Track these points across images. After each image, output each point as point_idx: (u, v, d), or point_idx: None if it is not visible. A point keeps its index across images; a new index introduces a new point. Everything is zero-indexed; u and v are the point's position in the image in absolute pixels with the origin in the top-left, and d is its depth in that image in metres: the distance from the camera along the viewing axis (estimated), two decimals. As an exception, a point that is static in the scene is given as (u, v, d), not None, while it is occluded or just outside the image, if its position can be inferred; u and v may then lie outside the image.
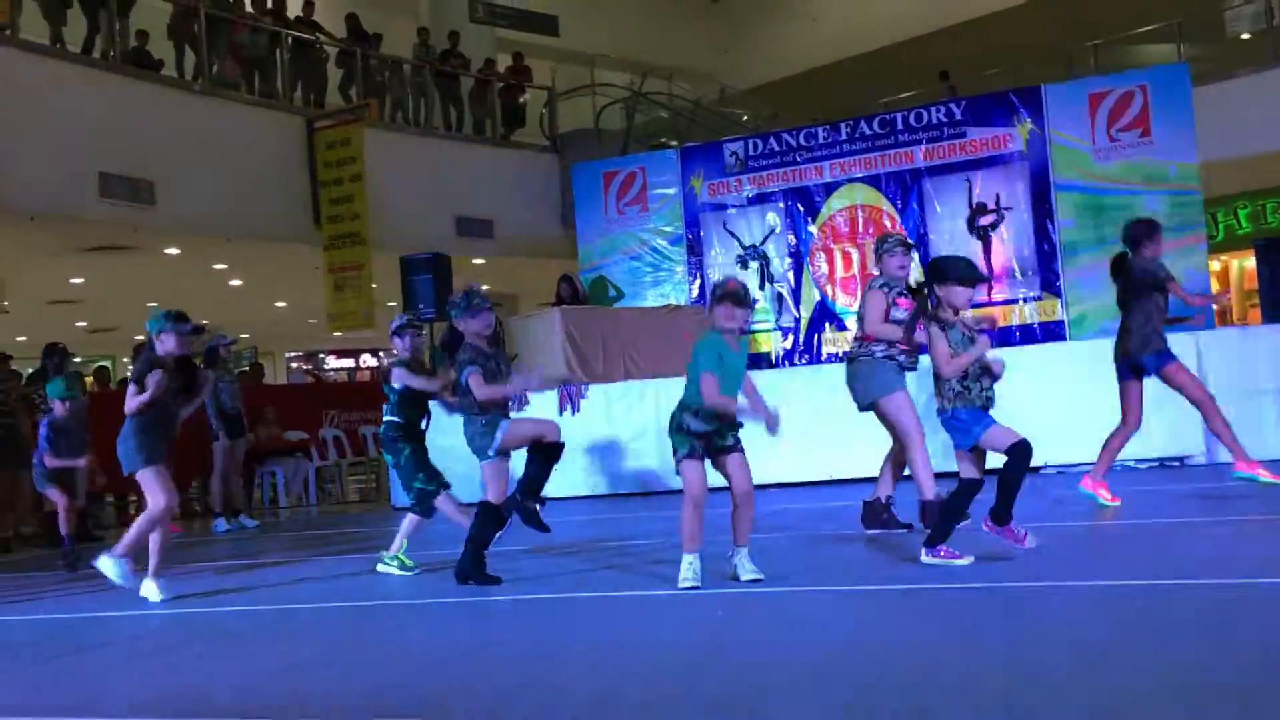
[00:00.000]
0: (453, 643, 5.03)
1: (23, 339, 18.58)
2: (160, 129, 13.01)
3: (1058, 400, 9.23)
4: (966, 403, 5.38)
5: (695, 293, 14.70)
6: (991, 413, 5.42)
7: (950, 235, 13.56)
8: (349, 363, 29.22)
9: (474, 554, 6.10)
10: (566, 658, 4.39)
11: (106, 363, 19.75)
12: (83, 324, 20.06)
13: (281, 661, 4.88)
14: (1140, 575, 5.11)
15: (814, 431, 9.42)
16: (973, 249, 13.42)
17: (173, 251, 15.01)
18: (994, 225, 13.40)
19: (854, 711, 3.40)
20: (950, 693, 3.50)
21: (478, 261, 17.22)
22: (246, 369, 15.85)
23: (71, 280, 16.34)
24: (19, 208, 11.08)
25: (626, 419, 10.81)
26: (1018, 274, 13.29)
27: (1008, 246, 13.35)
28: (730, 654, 4.28)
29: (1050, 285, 13.08)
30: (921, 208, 13.70)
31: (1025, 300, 13.23)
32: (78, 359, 13.31)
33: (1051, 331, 12.91)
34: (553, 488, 6.55)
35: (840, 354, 13.77)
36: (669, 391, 11.12)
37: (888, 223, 13.83)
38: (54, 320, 18.46)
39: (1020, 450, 5.27)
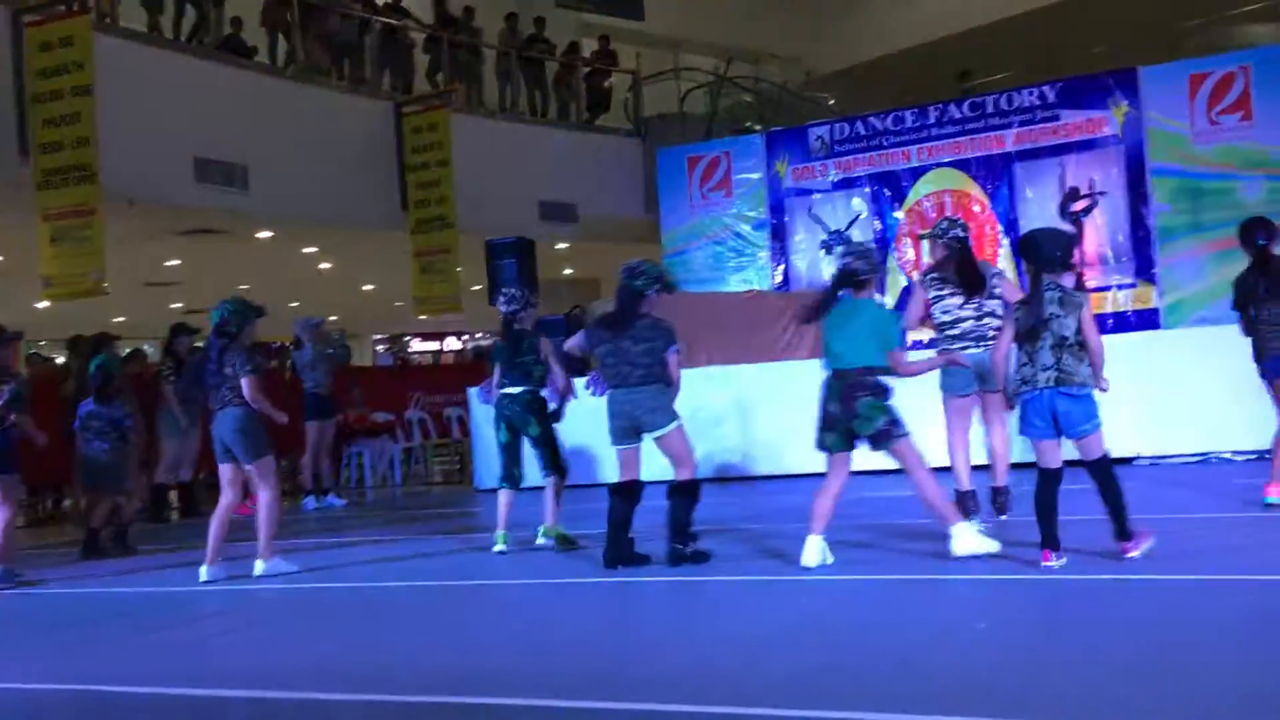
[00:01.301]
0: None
1: (121, 319, 19.12)
2: (253, 115, 13.26)
3: (1151, 390, 9.00)
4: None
5: (779, 279, 14.60)
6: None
7: (1041, 222, 13.23)
8: (434, 345, 29.57)
9: (681, 530, 6.01)
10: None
11: (200, 344, 20.19)
12: (178, 305, 20.56)
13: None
14: None
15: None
16: (1064, 235, 13.14)
17: (264, 235, 15.31)
18: (1087, 211, 13.09)
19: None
20: None
21: (561, 246, 17.29)
22: (343, 350, 15.82)
23: (168, 263, 16.75)
24: (119, 193, 11.37)
25: (707, 405, 10.78)
26: (1111, 260, 12.97)
27: (1101, 232, 13.04)
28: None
29: (1145, 272, 12.74)
30: (1012, 193, 13.43)
31: (1119, 287, 12.91)
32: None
33: (1146, 319, 12.57)
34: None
35: (926, 341, 13.58)
36: (749, 378, 11.10)
37: (976, 209, 13.60)
38: (151, 302, 18.96)
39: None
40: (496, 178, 15.65)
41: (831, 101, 19.79)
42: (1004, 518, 6.60)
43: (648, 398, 6.05)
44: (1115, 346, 8.62)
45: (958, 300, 6.41)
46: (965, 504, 6.35)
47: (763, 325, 12.62)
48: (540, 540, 7.12)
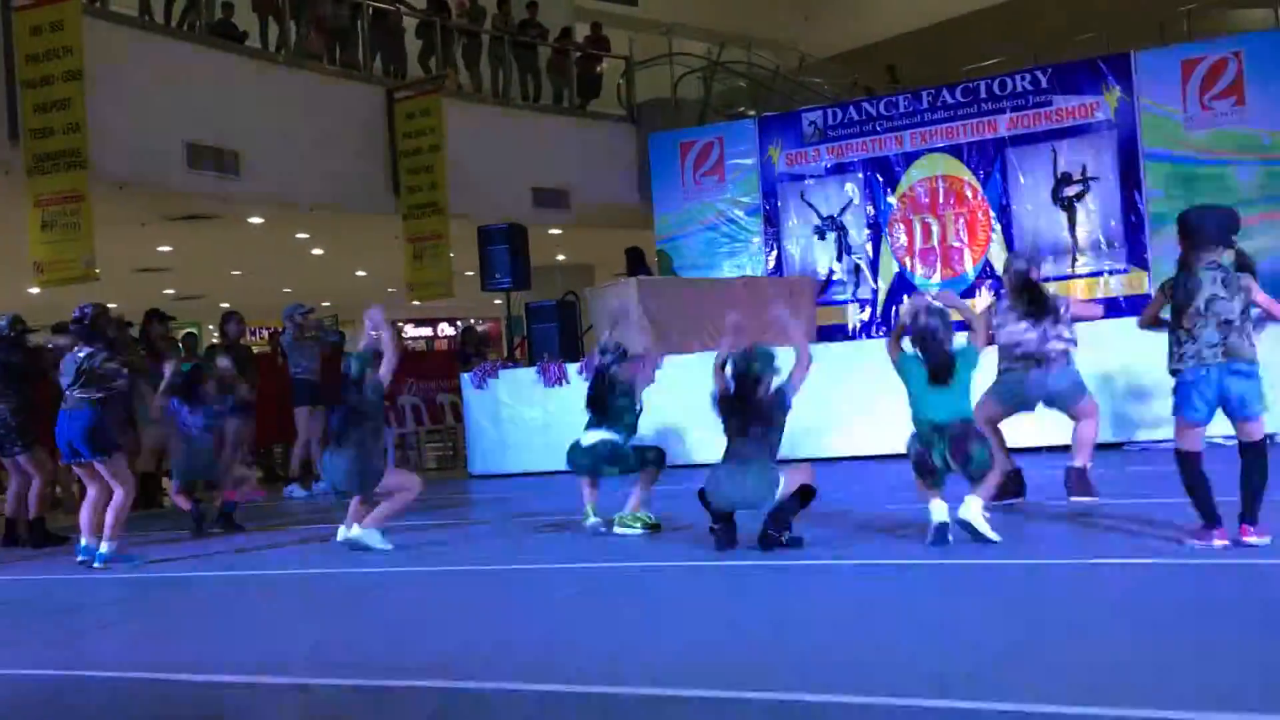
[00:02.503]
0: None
1: (112, 306, 19.05)
2: (245, 100, 13.21)
3: (1144, 375, 9.02)
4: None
5: (771, 264, 14.60)
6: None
7: (1034, 206, 13.30)
8: (427, 331, 29.53)
9: (781, 518, 5.94)
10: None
11: (193, 329, 20.18)
12: (170, 291, 20.52)
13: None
14: None
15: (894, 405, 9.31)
16: (1058, 220, 13.18)
17: (256, 221, 15.26)
18: (1079, 196, 13.10)
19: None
20: None
21: (554, 231, 17.27)
22: (335, 338, 15.76)
23: (159, 248, 16.70)
24: (109, 177, 11.33)
25: (701, 391, 10.77)
26: (1103, 246, 12.99)
27: (1093, 218, 13.05)
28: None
29: (1137, 257, 12.77)
30: (1004, 178, 13.44)
31: (1111, 273, 12.93)
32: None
33: (1137, 305, 12.58)
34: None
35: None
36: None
37: (969, 193, 13.61)
38: (143, 288, 18.91)
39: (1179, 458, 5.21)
40: (489, 163, 15.62)
41: (826, 86, 19.76)
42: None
43: (749, 476, 5.90)
44: (1107, 331, 8.67)
45: (1023, 325, 6.57)
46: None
47: (756, 311, 12.61)
48: (618, 529, 6.90)
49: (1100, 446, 7.36)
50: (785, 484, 5.90)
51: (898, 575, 5.33)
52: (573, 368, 11.60)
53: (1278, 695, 3.12)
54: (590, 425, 7.04)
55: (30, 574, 7.30)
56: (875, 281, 14.11)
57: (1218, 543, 5.09)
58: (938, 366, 5.76)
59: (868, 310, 14.14)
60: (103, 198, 11.13)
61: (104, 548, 6.96)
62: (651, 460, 7.02)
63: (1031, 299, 6.56)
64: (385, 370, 7.04)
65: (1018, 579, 5.12)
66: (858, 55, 23.16)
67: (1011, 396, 6.67)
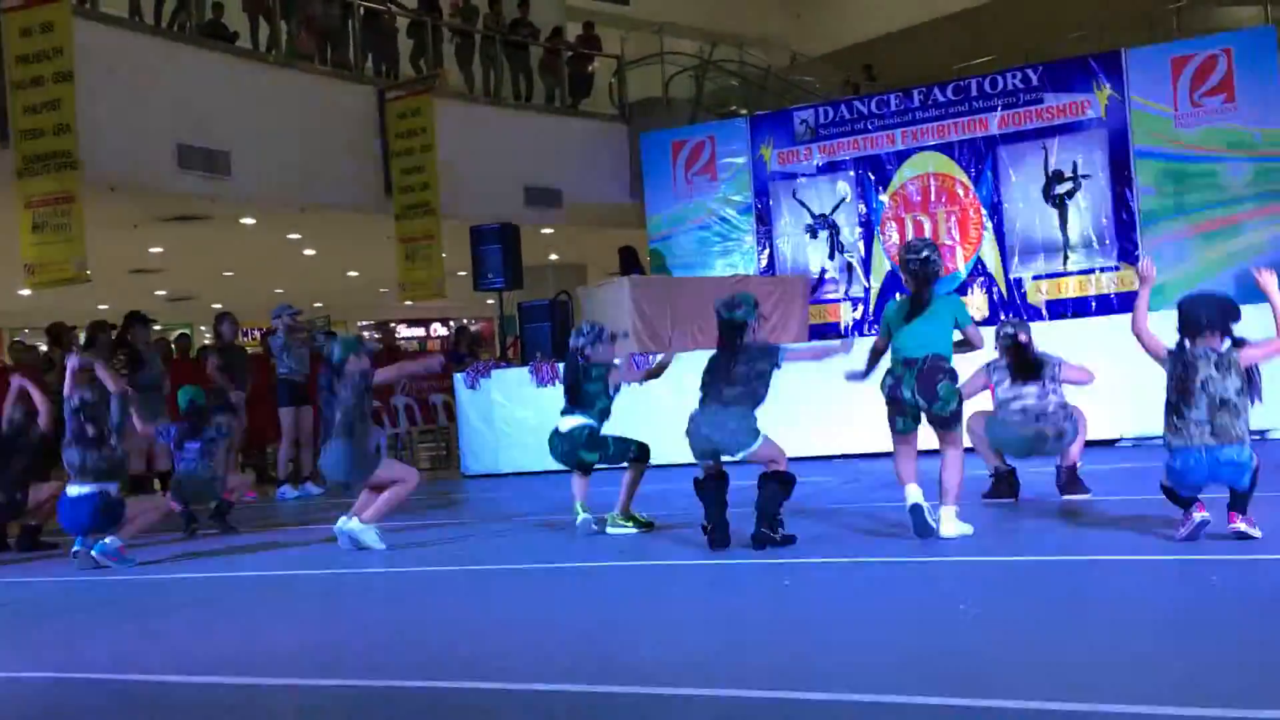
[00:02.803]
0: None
1: (104, 307, 19.04)
2: (235, 100, 13.19)
3: (1135, 372, 9.03)
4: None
5: (764, 262, 14.62)
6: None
7: (1025, 204, 13.33)
8: (420, 331, 29.52)
9: (768, 515, 5.93)
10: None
11: (186, 330, 20.15)
12: (162, 292, 20.49)
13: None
14: None
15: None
16: (1049, 218, 13.20)
17: (248, 221, 15.24)
18: (1070, 194, 13.13)
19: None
20: None
21: (546, 231, 17.27)
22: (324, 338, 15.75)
23: (151, 249, 16.68)
24: (99, 178, 11.31)
25: (692, 389, 10.77)
26: (1095, 243, 13.02)
27: (1084, 215, 13.08)
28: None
29: (1128, 255, 12.79)
30: (996, 176, 13.46)
31: (1102, 270, 12.97)
32: (158, 326, 13.61)
33: (1129, 302, 12.59)
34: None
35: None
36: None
37: (960, 192, 13.63)
38: (135, 289, 18.88)
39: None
40: (481, 163, 15.62)
41: (818, 85, 19.78)
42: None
43: (730, 419, 5.95)
44: (1098, 329, 8.70)
45: (1020, 384, 6.71)
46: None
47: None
48: (610, 529, 6.88)
49: (1091, 443, 7.40)
50: (761, 447, 5.91)
51: (887, 573, 5.34)
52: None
53: (1268, 691, 3.13)
54: (565, 411, 7.00)
55: (23, 576, 7.28)
56: (867, 280, 14.13)
57: (1198, 515, 5.14)
58: (918, 293, 5.87)
59: (860, 309, 14.16)
60: (94, 199, 11.12)
61: (108, 539, 6.93)
62: (635, 455, 6.94)
63: (1021, 364, 6.71)
64: (384, 374, 7.11)
65: (1000, 575, 5.14)
66: (849, 53, 23.17)
67: (1009, 441, 6.77)
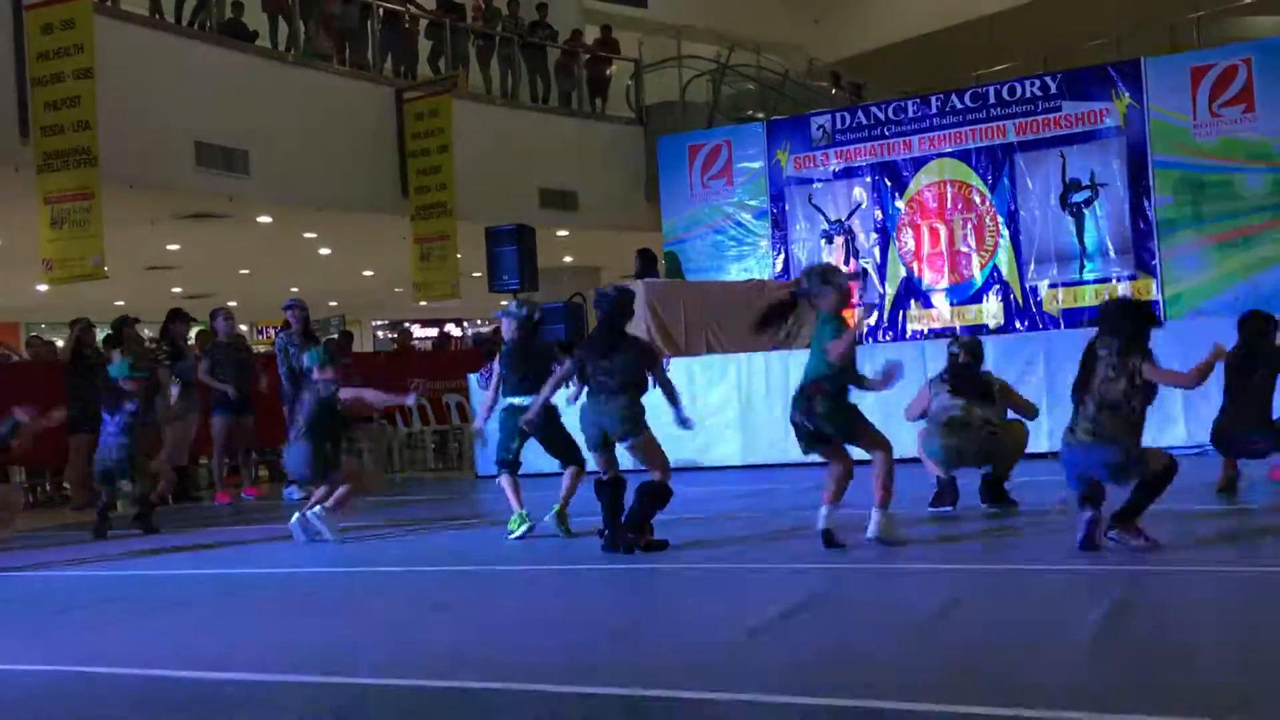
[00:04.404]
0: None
1: (121, 303, 19.13)
2: (254, 99, 13.24)
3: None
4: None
5: (779, 267, 14.60)
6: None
7: (1042, 212, 13.30)
8: (434, 331, 29.55)
9: (637, 522, 6.12)
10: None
11: (203, 326, 20.20)
12: (178, 289, 20.56)
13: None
14: None
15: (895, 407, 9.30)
16: (1066, 226, 13.17)
17: (265, 220, 15.29)
18: (1087, 202, 13.10)
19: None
20: None
21: (561, 233, 17.28)
22: (335, 336, 16.00)
23: (168, 247, 16.74)
24: (118, 176, 11.36)
25: (708, 393, 10.79)
26: (1111, 252, 12.99)
27: (1101, 224, 13.04)
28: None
29: (1145, 264, 12.76)
30: (1013, 184, 13.43)
31: (1119, 279, 12.92)
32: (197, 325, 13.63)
33: (1145, 312, 12.57)
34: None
35: (925, 331, 13.60)
36: (751, 366, 11.09)
37: (977, 199, 13.60)
38: (152, 286, 18.96)
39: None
40: (497, 165, 15.64)
41: (834, 90, 19.76)
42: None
43: (619, 407, 6.11)
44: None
45: (959, 401, 6.85)
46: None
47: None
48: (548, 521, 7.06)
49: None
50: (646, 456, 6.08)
51: (858, 577, 5.37)
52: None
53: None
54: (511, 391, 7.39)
55: (33, 570, 7.31)
56: (883, 286, 14.11)
57: (1086, 514, 5.26)
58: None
59: (875, 315, 14.13)
60: (112, 195, 11.17)
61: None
62: (580, 460, 7.02)
63: (959, 381, 6.88)
64: (345, 394, 7.55)
65: (981, 582, 5.19)
66: (866, 60, 23.15)
67: (934, 453, 6.93)
